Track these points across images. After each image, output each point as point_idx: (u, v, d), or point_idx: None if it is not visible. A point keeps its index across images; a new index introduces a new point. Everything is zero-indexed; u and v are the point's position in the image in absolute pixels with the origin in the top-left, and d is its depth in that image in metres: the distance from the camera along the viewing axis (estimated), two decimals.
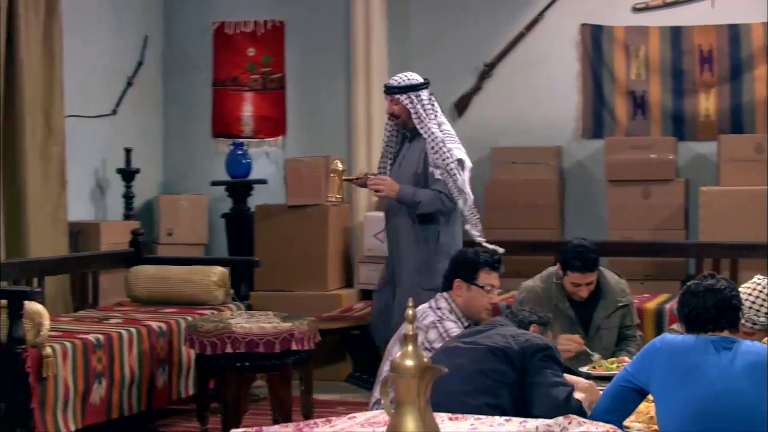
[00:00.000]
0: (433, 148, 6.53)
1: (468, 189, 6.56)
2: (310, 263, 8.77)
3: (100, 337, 6.20)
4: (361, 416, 2.85)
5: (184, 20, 9.88)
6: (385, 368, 5.50)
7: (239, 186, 9.42)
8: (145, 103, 9.64)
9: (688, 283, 4.21)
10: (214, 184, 9.41)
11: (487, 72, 9.25)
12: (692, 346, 3.98)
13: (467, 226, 6.72)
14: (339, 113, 9.46)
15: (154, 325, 6.72)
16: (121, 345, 6.34)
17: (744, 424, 3.78)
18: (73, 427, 5.92)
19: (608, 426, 3.26)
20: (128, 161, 9.02)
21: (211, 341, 6.13)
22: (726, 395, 3.81)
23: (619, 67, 8.95)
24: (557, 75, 9.10)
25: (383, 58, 9.27)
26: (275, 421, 6.23)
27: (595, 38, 9.00)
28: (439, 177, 6.49)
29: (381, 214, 8.82)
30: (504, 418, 3.47)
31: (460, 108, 9.30)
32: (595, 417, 4.14)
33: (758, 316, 4.78)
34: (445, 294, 5.54)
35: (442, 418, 3.49)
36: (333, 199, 6.78)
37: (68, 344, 5.93)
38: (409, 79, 6.65)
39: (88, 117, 8.85)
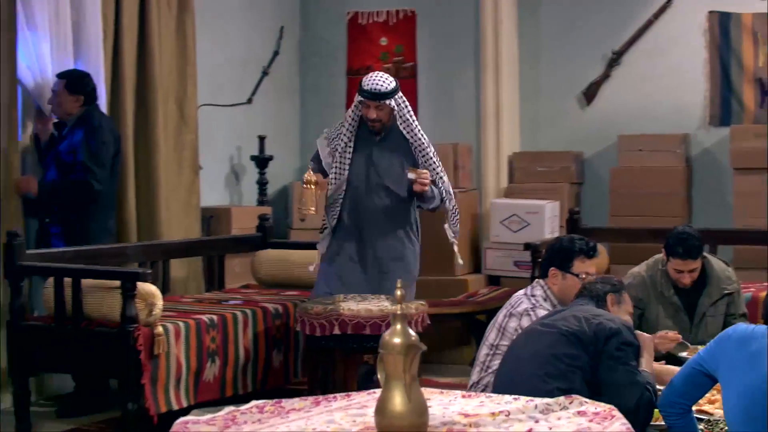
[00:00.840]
0: (421, 152, 6.56)
1: (452, 190, 6.69)
2: (438, 249, 8.88)
3: (215, 317, 6.44)
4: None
5: (320, 10, 10.14)
6: (482, 352, 5.63)
7: None
8: (280, 91, 9.92)
9: None
10: None
11: (615, 60, 9.25)
12: (762, 334, 4.02)
13: (446, 225, 6.75)
14: (469, 101, 9.59)
15: (271, 307, 6.94)
16: (235, 325, 6.57)
17: None
18: (185, 403, 6.15)
19: (606, 406, 3.33)
20: (262, 149, 9.31)
21: (320, 323, 6.29)
22: None
23: (747, 54, 8.86)
24: (685, 62, 9.06)
25: (513, 47, 9.40)
26: None
27: (722, 25, 8.92)
28: (433, 178, 6.53)
29: (509, 201, 8.99)
30: (513, 396, 3.58)
31: (588, 96, 9.34)
32: (666, 397, 4.22)
33: None
34: (541, 281, 5.61)
35: (455, 395, 3.62)
36: (309, 213, 6.40)
37: (181, 324, 6.19)
38: (391, 82, 6.50)
39: (224, 106, 9.17)
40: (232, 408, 3.33)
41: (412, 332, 2.97)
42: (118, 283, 5.92)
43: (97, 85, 7.28)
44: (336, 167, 6.60)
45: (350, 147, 6.58)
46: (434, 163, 6.58)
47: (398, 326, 2.99)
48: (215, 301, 7.15)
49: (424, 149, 6.57)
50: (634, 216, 8.76)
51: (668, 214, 8.72)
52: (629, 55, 9.24)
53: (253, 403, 3.42)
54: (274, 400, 3.46)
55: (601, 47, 9.29)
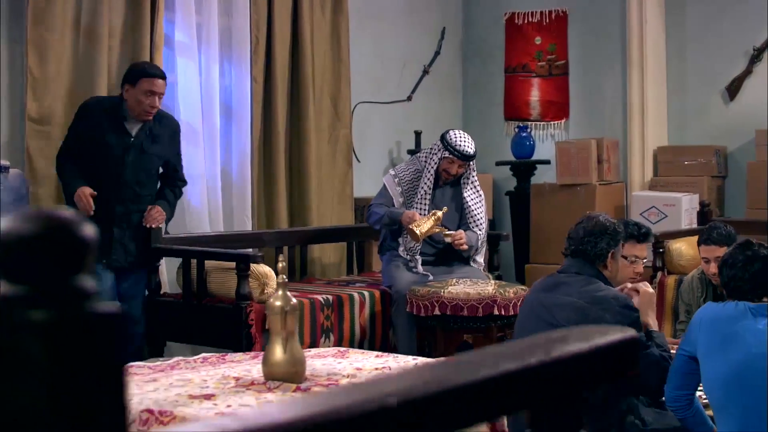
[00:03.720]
0: (478, 208, 7.59)
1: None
2: (562, 238, 9.31)
3: (330, 297, 7.10)
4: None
5: (480, 12, 10.68)
6: None
7: (522, 166, 10.12)
8: (440, 89, 10.51)
9: (728, 251, 4.49)
10: (499, 164, 10.17)
11: (756, 56, 9.45)
12: (732, 315, 4.19)
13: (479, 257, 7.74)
14: (616, 97, 9.96)
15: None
16: (351, 305, 7.20)
17: None
18: None
19: None
20: (418, 143, 9.93)
21: (424, 304, 6.90)
22: (760, 359, 3.99)
23: None
24: None
25: (659, 43, 9.71)
26: None
27: None
28: (478, 231, 7.58)
29: (648, 193, 9.36)
30: (413, 357, 4.09)
31: (731, 92, 9.56)
32: (668, 393, 4.44)
33: None
34: None
35: (372, 355, 4.16)
36: (416, 236, 7.24)
37: (296, 302, 6.87)
38: (474, 145, 7.55)
39: (383, 103, 9.84)
40: (180, 358, 3.98)
41: (292, 298, 3.63)
42: (233, 264, 6.67)
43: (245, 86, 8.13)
44: (417, 207, 7.49)
45: (429, 193, 7.53)
46: (484, 221, 7.64)
47: (280, 292, 3.67)
48: (344, 283, 7.83)
49: (478, 209, 7.59)
50: None
51: None
52: None
53: (203, 355, 4.08)
54: (221, 354, 4.11)
55: (744, 43, 9.49)
